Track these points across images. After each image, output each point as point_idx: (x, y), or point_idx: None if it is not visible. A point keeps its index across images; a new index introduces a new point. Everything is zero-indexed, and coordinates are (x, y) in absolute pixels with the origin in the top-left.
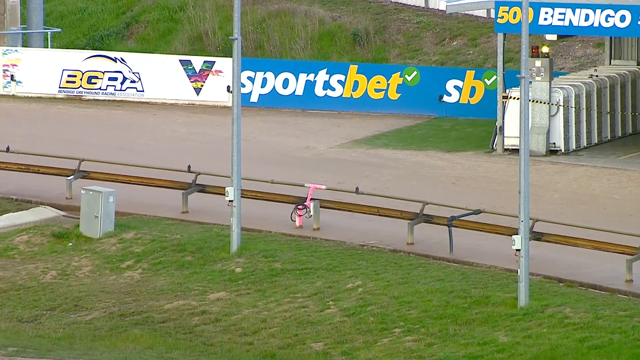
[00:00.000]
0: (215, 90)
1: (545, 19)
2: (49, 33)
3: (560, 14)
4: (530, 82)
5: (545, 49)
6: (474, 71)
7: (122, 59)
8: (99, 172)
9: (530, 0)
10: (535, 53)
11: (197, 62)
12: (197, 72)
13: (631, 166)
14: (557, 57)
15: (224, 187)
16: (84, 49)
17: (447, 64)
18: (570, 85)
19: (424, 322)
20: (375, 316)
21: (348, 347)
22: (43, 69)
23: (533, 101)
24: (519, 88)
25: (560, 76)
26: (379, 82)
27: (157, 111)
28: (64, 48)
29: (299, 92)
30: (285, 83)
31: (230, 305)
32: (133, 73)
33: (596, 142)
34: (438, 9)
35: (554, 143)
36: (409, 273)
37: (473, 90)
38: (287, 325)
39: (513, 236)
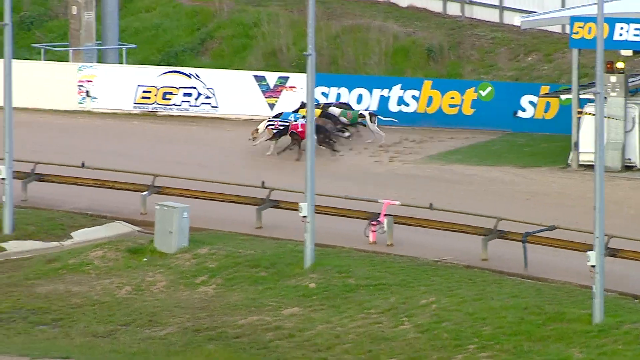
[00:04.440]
0: (290, 106)
1: (621, 35)
2: (124, 49)
3: (635, 29)
4: (605, 97)
5: (620, 65)
6: (548, 86)
7: (196, 74)
8: (173, 188)
9: (606, 16)
10: (610, 68)
11: (272, 77)
12: (272, 87)
13: None
14: (633, 73)
15: (298, 203)
16: (159, 65)
17: (521, 79)
18: None
19: (498, 338)
20: (449, 332)
21: None
22: (118, 85)
23: (608, 117)
24: (594, 104)
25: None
26: (453, 98)
27: (231, 127)
28: (138, 64)
29: (373, 107)
30: (360, 98)
31: (304, 320)
32: (207, 89)
33: None
34: (513, 25)
35: (630, 159)
36: (483, 289)
37: (548, 106)
38: (361, 341)
39: (588, 252)
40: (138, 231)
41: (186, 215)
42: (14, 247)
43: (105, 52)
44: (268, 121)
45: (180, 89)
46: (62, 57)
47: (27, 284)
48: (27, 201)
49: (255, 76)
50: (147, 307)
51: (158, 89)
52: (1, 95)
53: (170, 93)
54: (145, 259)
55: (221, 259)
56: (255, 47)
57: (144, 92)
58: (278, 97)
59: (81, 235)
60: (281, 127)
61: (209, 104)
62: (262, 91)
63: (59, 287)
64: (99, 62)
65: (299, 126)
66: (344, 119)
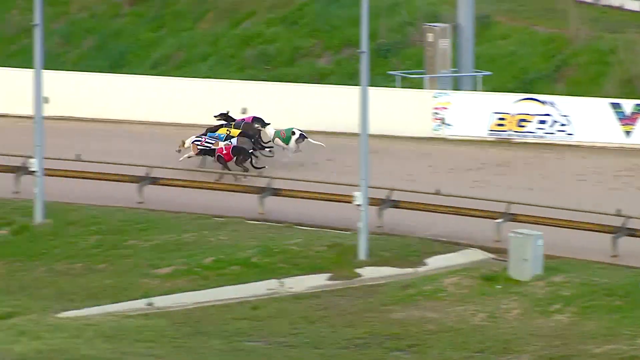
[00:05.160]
0: None
1: None
2: (478, 76)
3: None
4: None
5: None
6: None
7: (551, 102)
8: (526, 215)
9: None
10: None
11: (628, 105)
12: (628, 115)
13: None
14: None
15: None
16: (514, 92)
17: None
18: None
19: None
20: None
21: None
22: (472, 112)
23: None
24: None
25: None
26: None
27: (586, 154)
28: (493, 91)
29: None
30: None
31: None
32: (562, 116)
33: None
34: None
35: None
36: None
37: None
38: None
39: None
40: (492, 258)
41: (540, 243)
42: (370, 273)
43: (459, 79)
44: (195, 137)
45: (535, 116)
46: (416, 84)
47: (382, 309)
48: (382, 227)
49: (611, 103)
50: (501, 334)
51: (513, 116)
52: (357, 122)
53: (525, 120)
54: (498, 287)
55: (576, 287)
56: (612, 74)
57: (499, 119)
58: (634, 125)
59: (435, 262)
60: (207, 146)
61: (564, 131)
62: (618, 118)
63: (413, 313)
64: (453, 89)
65: (223, 149)
66: (278, 140)
